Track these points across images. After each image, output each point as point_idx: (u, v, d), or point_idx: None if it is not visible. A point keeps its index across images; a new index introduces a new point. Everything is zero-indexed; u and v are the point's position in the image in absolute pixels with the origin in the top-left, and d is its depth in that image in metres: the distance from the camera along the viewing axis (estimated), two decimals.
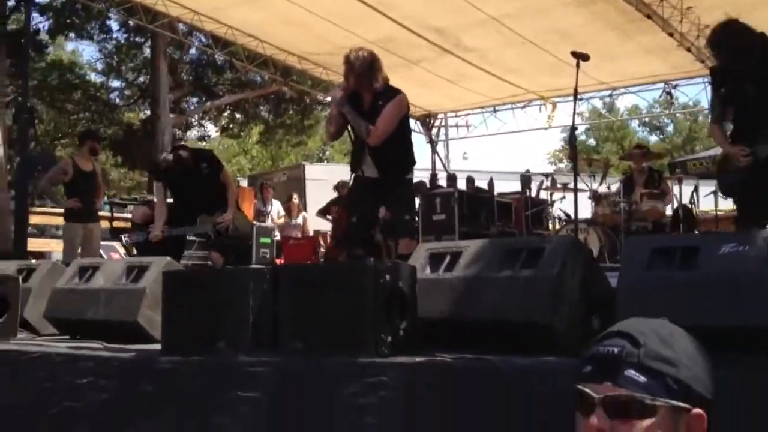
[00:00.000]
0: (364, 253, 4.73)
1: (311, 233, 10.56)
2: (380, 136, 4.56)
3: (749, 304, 2.33)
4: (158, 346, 3.31)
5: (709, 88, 11.10)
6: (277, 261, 8.86)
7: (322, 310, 2.91)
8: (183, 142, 18.54)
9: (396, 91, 4.67)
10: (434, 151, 14.40)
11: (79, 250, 7.39)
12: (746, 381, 2.10)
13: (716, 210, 7.72)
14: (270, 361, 2.81)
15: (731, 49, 4.16)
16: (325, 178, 13.92)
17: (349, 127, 4.74)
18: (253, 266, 3.24)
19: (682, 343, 1.33)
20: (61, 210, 7.86)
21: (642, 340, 1.30)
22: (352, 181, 4.84)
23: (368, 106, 4.63)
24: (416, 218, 4.79)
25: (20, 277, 4.29)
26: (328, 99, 4.69)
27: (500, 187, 9.40)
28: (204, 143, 25.26)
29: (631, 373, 1.26)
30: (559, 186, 8.41)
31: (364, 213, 4.82)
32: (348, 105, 4.58)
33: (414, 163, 4.85)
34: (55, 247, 9.45)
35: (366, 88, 4.63)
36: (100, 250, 8.09)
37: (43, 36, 19.24)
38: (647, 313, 2.55)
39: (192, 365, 3.00)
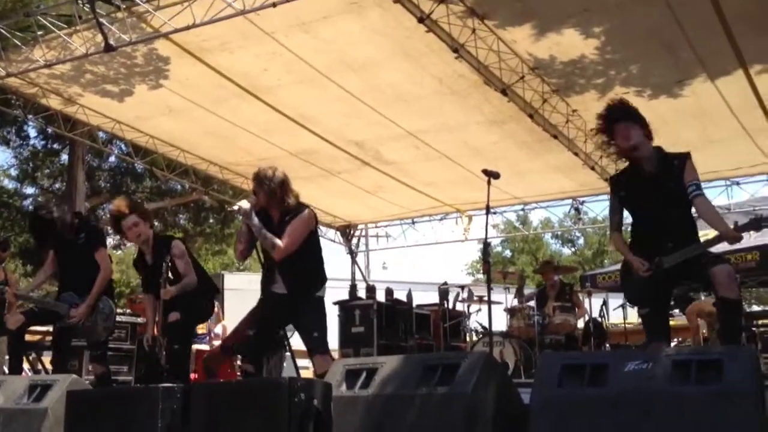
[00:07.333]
0: (255, 371, 4.62)
1: None
2: (285, 251, 4.47)
3: (653, 423, 2.41)
4: None
5: None
6: (191, 375, 8.54)
7: (234, 431, 2.82)
8: None
9: (303, 207, 4.64)
10: (354, 261, 14.45)
11: None
12: None
13: (625, 323, 7.97)
14: None
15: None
16: (244, 287, 13.69)
17: (258, 247, 4.65)
18: (164, 385, 3.12)
19: None
20: None
21: None
22: (261, 296, 4.76)
23: (277, 223, 4.58)
24: (326, 334, 4.67)
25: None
26: (235, 207, 4.47)
27: (419, 299, 9.47)
28: (119, 252, 24.61)
29: None
30: (475, 298, 8.54)
31: (265, 330, 4.74)
32: (256, 218, 4.49)
33: (324, 280, 4.69)
34: None
35: (275, 205, 4.58)
36: (3, 366, 7.62)
37: None
38: (558, 430, 2.60)
39: None
